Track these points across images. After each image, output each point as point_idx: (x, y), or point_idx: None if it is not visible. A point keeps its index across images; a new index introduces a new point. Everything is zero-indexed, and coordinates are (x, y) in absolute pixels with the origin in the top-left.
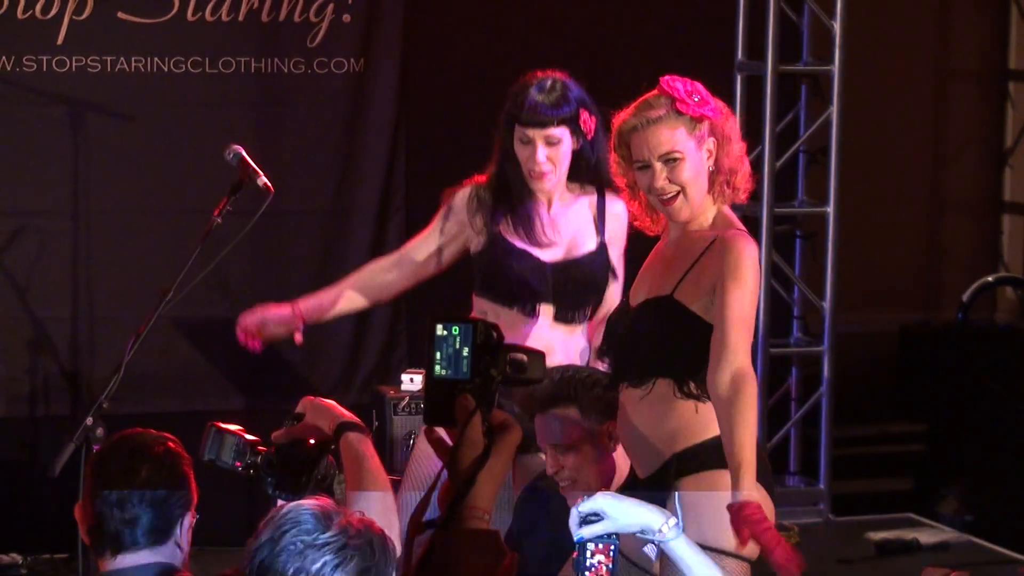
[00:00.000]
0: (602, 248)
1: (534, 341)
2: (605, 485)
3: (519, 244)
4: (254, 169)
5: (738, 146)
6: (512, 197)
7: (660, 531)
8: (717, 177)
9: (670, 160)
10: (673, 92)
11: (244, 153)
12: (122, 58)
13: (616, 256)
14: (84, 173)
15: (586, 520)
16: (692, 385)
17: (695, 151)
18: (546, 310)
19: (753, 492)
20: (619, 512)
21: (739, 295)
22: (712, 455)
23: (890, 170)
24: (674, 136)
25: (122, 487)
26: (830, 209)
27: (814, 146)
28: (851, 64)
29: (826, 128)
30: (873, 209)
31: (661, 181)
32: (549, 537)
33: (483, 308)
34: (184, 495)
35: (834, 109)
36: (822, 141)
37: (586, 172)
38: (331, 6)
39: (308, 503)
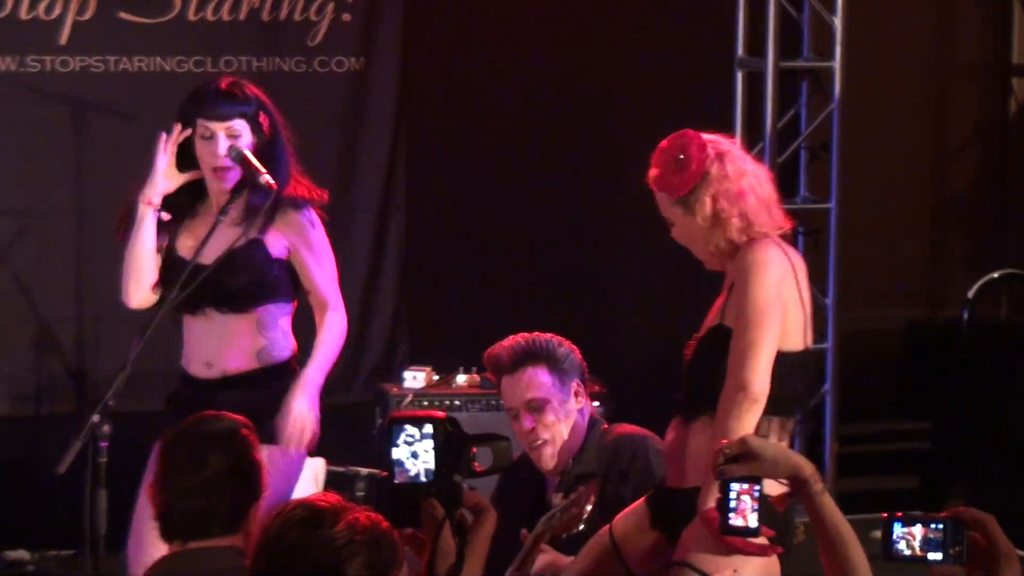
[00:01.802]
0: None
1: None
2: (575, 446)
3: (182, 253)
4: (256, 167)
5: (737, 184)
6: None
7: (810, 480)
8: (729, 220)
9: None
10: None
11: (246, 151)
12: (124, 58)
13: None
14: (87, 172)
15: (733, 460)
16: None
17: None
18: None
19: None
20: (768, 454)
21: (744, 312)
22: None
23: (893, 166)
24: None
25: (193, 476)
26: (832, 205)
27: (816, 142)
28: (852, 59)
29: (827, 124)
30: (876, 205)
31: None
32: None
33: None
34: (255, 484)
35: (835, 105)
36: (824, 137)
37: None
38: (331, 5)
39: (315, 498)
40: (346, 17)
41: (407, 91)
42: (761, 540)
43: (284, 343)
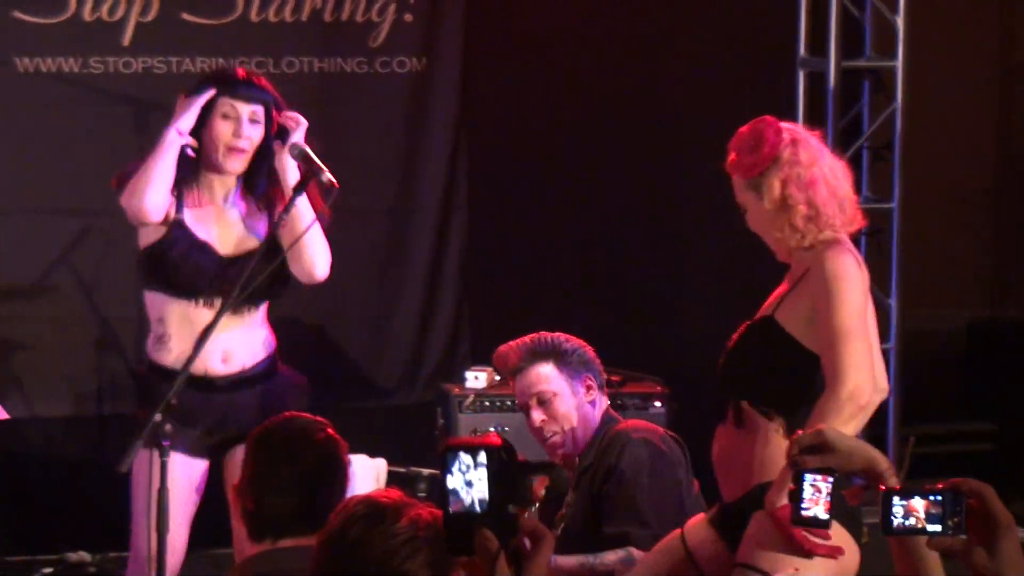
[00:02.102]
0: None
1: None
2: (586, 440)
3: (201, 236)
4: (318, 165)
5: (809, 172)
6: (196, 180)
7: (885, 474)
8: (796, 207)
9: None
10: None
11: (308, 148)
12: (187, 59)
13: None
14: None
15: (809, 450)
16: (771, 410)
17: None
18: (217, 303)
19: None
20: (844, 445)
21: (835, 310)
22: None
23: (955, 165)
24: None
25: (285, 474)
26: (894, 205)
27: (878, 142)
28: (914, 59)
29: (890, 123)
30: (938, 205)
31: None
32: None
33: (156, 303)
34: (342, 482)
35: (898, 104)
36: (886, 137)
37: (265, 171)
38: (393, 6)
39: (377, 494)
40: (408, 17)
41: (469, 90)
42: (831, 540)
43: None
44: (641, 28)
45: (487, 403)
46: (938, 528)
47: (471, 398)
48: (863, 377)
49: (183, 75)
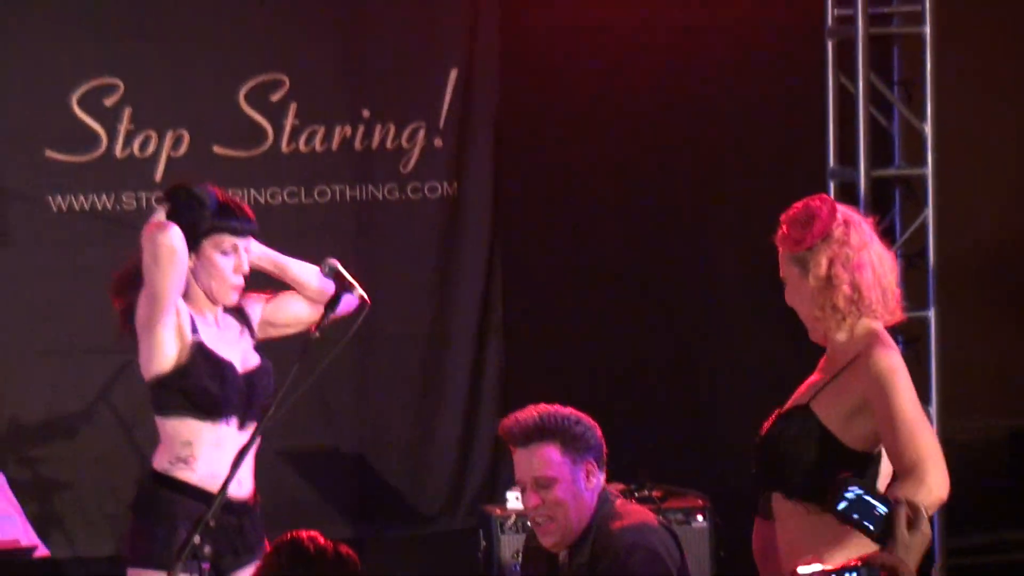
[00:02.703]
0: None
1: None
2: (580, 527)
3: (225, 356)
4: (350, 282)
5: (858, 255)
6: (196, 299)
7: None
8: (840, 287)
9: None
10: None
11: (340, 266)
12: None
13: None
14: None
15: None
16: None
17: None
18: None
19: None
20: None
21: (900, 403)
22: None
23: (989, 271)
24: None
25: None
26: (931, 313)
27: (911, 250)
28: (944, 165)
29: (922, 231)
30: (974, 311)
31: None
32: None
33: (183, 428)
34: None
35: (929, 212)
36: (919, 244)
37: None
38: (422, 132)
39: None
40: (438, 143)
41: (501, 212)
42: None
43: None
44: (671, 139)
45: (529, 523)
46: None
47: (513, 518)
48: (942, 469)
49: None
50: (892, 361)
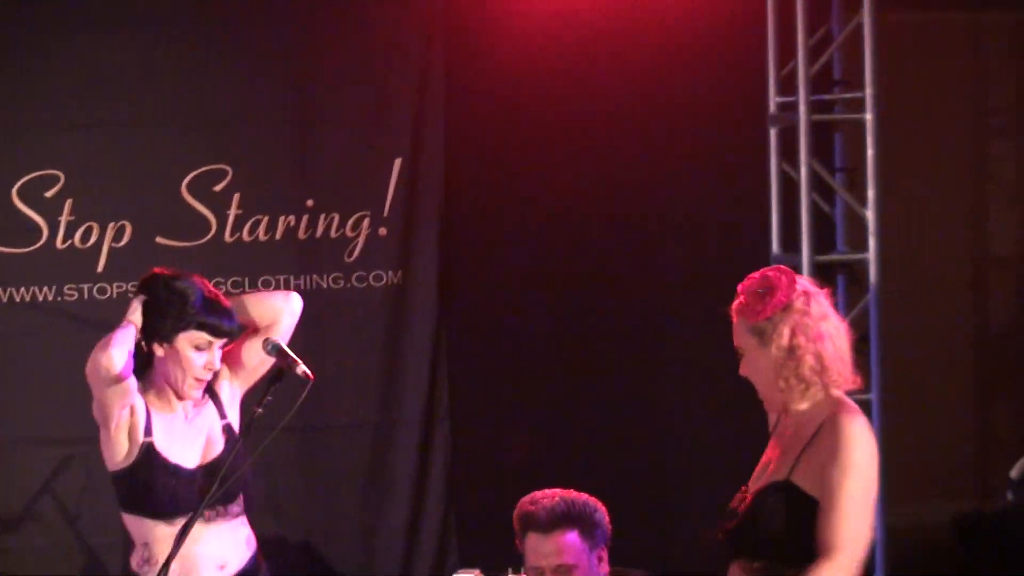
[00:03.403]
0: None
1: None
2: None
3: (173, 460)
4: (293, 358)
5: (818, 326)
6: (156, 388)
7: None
8: (804, 356)
9: None
10: (736, 312)
11: (282, 343)
12: None
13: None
14: None
15: None
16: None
17: (757, 348)
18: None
19: None
20: None
21: (848, 482)
22: None
23: (933, 355)
24: None
25: None
26: (873, 396)
27: (854, 334)
28: (887, 250)
29: (865, 315)
30: (918, 396)
31: None
32: None
33: (138, 526)
34: None
35: (871, 296)
36: (862, 328)
37: None
38: (367, 220)
39: None
40: (383, 231)
41: (447, 300)
42: None
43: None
44: (615, 215)
45: None
46: None
47: None
48: (854, 565)
49: None
50: (855, 430)
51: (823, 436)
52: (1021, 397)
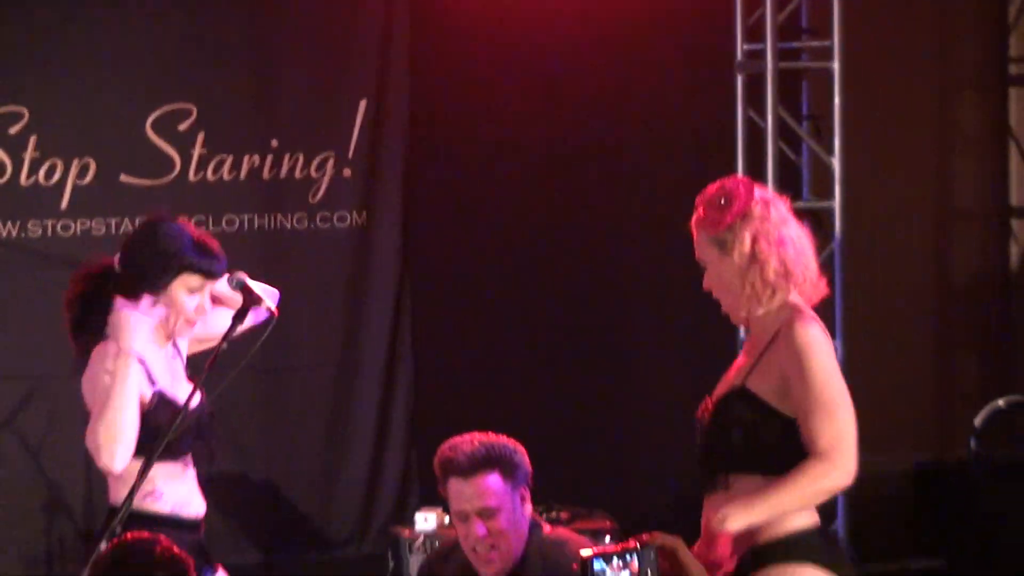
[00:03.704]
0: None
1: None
2: (518, 553)
3: (177, 399)
4: (258, 295)
5: (779, 231)
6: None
7: None
8: (768, 261)
9: None
10: (696, 226)
11: (247, 278)
12: (126, 219)
13: None
14: None
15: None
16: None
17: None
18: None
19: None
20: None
21: (817, 381)
22: (792, 549)
23: (896, 308)
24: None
25: None
26: (837, 345)
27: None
28: (852, 200)
29: (830, 264)
30: (880, 345)
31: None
32: None
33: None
34: None
35: (836, 244)
36: (826, 277)
37: None
38: (331, 161)
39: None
40: (347, 172)
41: (410, 241)
42: None
43: None
44: (584, 165)
45: (437, 544)
46: None
47: (421, 539)
48: (853, 454)
49: (122, 236)
50: (810, 335)
51: (779, 343)
52: (982, 347)
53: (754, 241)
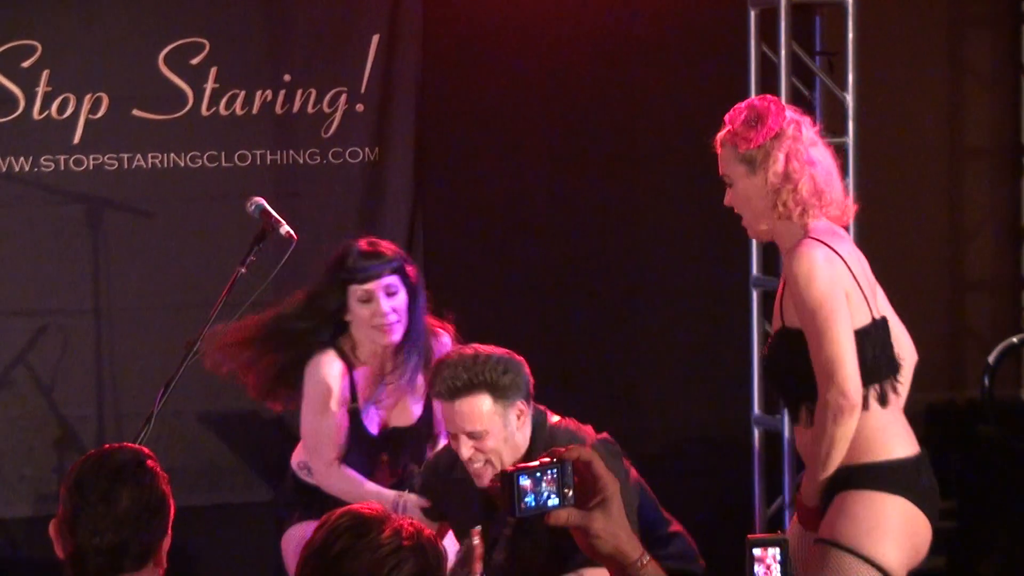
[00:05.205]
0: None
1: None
2: (519, 456)
3: (371, 432)
4: (276, 219)
5: (809, 152)
6: (357, 364)
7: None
8: (800, 180)
9: None
10: (725, 141)
11: (266, 204)
12: (138, 155)
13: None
14: (104, 270)
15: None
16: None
17: (746, 178)
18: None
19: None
20: (610, 531)
21: (808, 310)
22: (880, 476)
23: (908, 248)
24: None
25: (103, 512)
26: None
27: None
28: (865, 137)
29: None
30: (892, 289)
31: None
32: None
33: None
34: (164, 516)
35: (850, 181)
36: None
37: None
38: (344, 96)
39: (359, 507)
40: (359, 107)
41: (423, 179)
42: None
43: None
44: (596, 107)
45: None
46: (556, 501)
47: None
48: (844, 379)
49: (135, 171)
50: (802, 266)
51: (787, 270)
52: (995, 288)
53: (787, 160)
